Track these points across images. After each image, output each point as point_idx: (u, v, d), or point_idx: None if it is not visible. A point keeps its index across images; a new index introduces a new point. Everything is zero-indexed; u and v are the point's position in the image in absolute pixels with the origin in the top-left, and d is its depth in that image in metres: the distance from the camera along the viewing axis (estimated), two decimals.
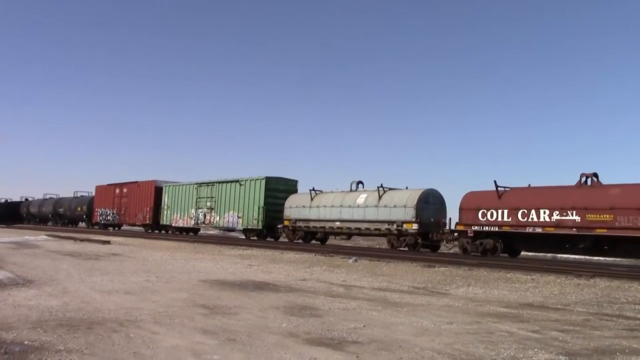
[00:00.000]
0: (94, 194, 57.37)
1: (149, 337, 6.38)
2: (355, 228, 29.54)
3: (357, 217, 29.27)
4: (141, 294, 9.87)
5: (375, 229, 28.44)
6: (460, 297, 11.00)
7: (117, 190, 50.64)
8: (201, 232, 45.43)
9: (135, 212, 47.58)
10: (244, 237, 37.78)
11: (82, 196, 60.55)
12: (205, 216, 39.84)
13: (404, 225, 27.01)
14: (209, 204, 39.63)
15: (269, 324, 7.43)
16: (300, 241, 32.65)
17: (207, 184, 40.34)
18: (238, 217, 36.42)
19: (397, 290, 11.79)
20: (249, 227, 35.68)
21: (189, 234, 43.05)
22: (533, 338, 7.02)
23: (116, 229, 52.11)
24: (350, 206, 29.76)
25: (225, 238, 38.21)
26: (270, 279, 13.23)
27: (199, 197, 40.64)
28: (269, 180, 35.35)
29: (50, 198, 66.32)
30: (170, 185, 44.52)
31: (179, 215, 42.75)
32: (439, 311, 9.05)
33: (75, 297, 9.29)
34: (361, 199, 29.52)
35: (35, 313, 7.62)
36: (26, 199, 72.21)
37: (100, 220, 53.01)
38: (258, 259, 19.67)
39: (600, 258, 24.69)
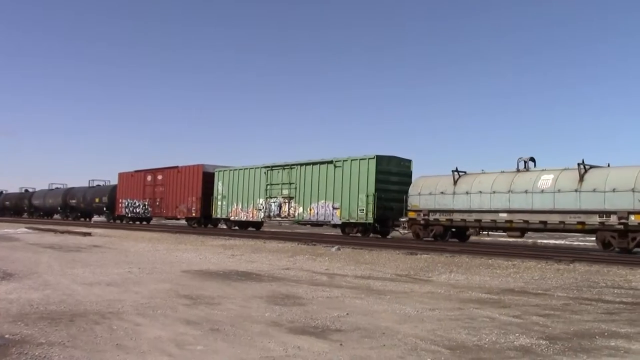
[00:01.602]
0: (112, 182, 50.67)
1: (131, 328, 6.36)
2: (539, 222, 21.76)
3: (541, 207, 21.69)
4: (123, 286, 9.81)
5: (579, 223, 20.68)
6: (443, 284, 11.08)
7: (149, 178, 43.34)
8: (265, 226, 38.75)
9: (175, 203, 40.31)
10: (340, 233, 30.32)
11: (99, 185, 53.30)
12: (280, 207, 32.41)
13: (632, 217, 19.22)
14: (285, 191, 32.07)
15: (253, 313, 7.44)
16: (427, 239, 25.44)
17: (283, 166, 32.54)
18: (334, 208, 29.05)
19: (379, 278, 11.85)
20: (351, 220, 28.36)
21: (248, 228, 36.19)
22: (514, 323, 7.10)
23: (144, 223, 45.05)
24: (526, 191, 22.04)
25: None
26: (254, 269, 13.23)
27: (271, 184, 33.08)
28: (380, 159, 27.78)
29: (58, 188, 59.16)
30: (226, 170, 37.04)
31: (240, 206, 35.27)
32: (421, 298, 9.12)
33: (56, 289, 9.22)
34: (545, 180, 21.96)
35: (16, 307, 7.55)
36: (26, 190, 66.09)
37: (126, 213, 45.80)
38: (241, 249, 19.65)
39: (581, 243, 24.94)
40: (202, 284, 10.36)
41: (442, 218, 24.93)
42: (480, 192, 23.69)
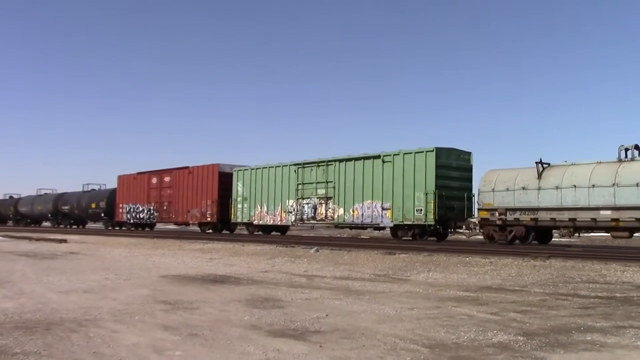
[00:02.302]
0: (107, 187, 47.94)
1: (109, 335, 6.28)
2: None
3: None
4: (100, 292, 9.70)
5: None
6: (421, 283, 11.14)
7: (155, 180, 40.26)
8: (293, 230, 35.44)
9: (186, 207, 37.13)
10: (390, 236, 27.83)
11: (94, 190, 49.77)
12: (315, 209, 29.18)
13: None
14: (321, 191, 28.91)
15: (232, 317, 7.40)
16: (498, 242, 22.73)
17: (318, 163, 29.34)
18: (383, 209, 25.98)
19: (358, 279, 11.87)
20: (405, 222, 25.29)
21: (272, 233, 33.18)
22: (492, 320, 7.16)
23: (147, 229, 42.01)
24: (638, 184, 19.35)
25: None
26: (232, 272, 13.17)
27: (303, 183, 30.01)
28: (440, 152, 24.87)
29: (47, 194, 55.35)
30: (246, 169, 33.74)
31: (265, 209, 32.04)
32: (400, 297, 9.15)
33: (31, 298, 9.08)
34: None
35: None
36: (11, 197, 62.16)
37: (128, 219, 42.58)
38: (219, 253, 19.55)
39: (555, 239, 25.23)
40: (181, 288, 10.28)
41: (524, 217, 21.86)
42: (575, 186, 20.59)
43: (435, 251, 18.46)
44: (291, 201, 30.54)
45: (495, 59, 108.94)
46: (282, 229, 33.61)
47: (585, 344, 5.83)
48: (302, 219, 30.08)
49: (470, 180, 25.66)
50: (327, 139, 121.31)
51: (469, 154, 26.21)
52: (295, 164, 30.57)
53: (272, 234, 33.21)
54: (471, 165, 26.16)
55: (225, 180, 34.76)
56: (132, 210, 42.29)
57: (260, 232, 33.15)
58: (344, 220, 28.02)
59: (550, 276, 12.19)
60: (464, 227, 25.07)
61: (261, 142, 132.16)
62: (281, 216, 31.12)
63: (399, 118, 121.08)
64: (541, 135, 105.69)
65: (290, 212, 30.57)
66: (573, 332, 6.43)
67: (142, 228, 42.24)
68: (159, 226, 44.89)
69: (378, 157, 26.70)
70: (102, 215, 46.32)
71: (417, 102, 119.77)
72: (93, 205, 47.32)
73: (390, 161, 26.01)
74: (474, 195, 25.00)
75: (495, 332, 6.41)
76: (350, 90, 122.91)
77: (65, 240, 26.89)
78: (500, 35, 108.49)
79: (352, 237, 31.61)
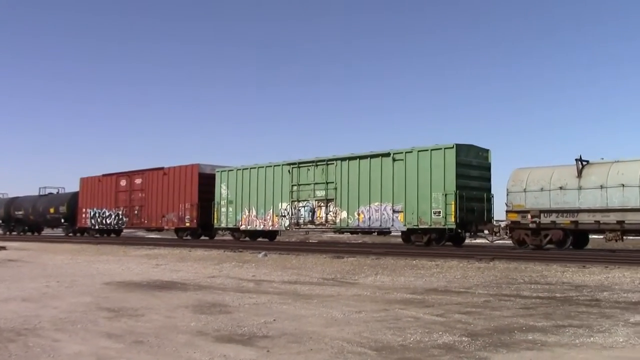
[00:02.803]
0: (67, 190, 44.14)
1: (49, 345, 6.10)
2: None
3: None
4: (40, 301, 9.41)
5: None
6: (369, 286, 11.22)
7: (124, 182, 37.09)
8: (284, 237, 33.52)
9: (161, 212, 34.21)
10: (402, 241, 25.98)
11: (51, 194, 45.67)
12: (314, 212, 26.72)
13: None
14: (321, 193, 26.48)
15: (178, 323, 7.29)
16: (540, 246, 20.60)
17: (316, 163, 26.88)
18: (394, 212, 23.71)
19: (306, 283, 11.88)
20: (421, 225, 23.05)
21: (258, 239, 30.75)
22: (438, 322, 7.27)
23: (113, 235, 39.25)
24: None
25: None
26: (179, 278, 12.99)
27: (298, 184, 27.41)
28: (459, 149, 22.66)
29: None
30: (231, 170, 30.92)
31: (254, 213, 29.32)
32: (348, 301, 9.19)
33: None
34: None
35: None
36: None
37: (93, 225, 39.11)
38: (166, 258, 19.25)
39: (499, 241, 25.52)
40: (125, 295, 10.07)
41: (562, 220, 19.83)
42: (623, 185, 18.83)
43: (383, 254, 18.63)
44: (285, 204, 28.00)
45: (494, 58, 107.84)
46: (271, 234, 31.16)
47: (527, 344, 5.97)
48: (297, 224, 27.51)
49: (489, 179, 23.94)
50: (310, 141, 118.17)
51: (487, 151, 24.15)
52: (289, 164, 27.93)
53: (259, 240, 31.01)
54: (490, 164, 24.18)
55: (206, 182, 31.98)
56: (97, 215, 38.94)
57: (247, 238, 30.64)
58: (347, 225, 25.66)
59: (494, 278, 12.47)
60: (485, 230, 22.88)
61: (242, 144, 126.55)
62: (273, 221, 28.52)
63: (390, 118, 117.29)
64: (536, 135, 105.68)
65: (284, 217, 27.97)
66: (515, 332, 6.59)
67: (108, 234, 39.52)
68: (126, 232, 42.11)
69: (388, 155, 24.25)
70: (62, 220, 42.49)
71: (408, 103, 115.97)
72: (51, 210, 43.33)
73: (402, 159, 23.61)
74: (492, 196, 23.55)
75: (440, 333, 6.50)
76: (338, 92, 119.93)
77: (4, 247, 25.97)
78: (499, 35, 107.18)
79: (300, 242, 31.47)
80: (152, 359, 5.47)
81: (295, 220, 27.52)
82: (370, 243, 30.13)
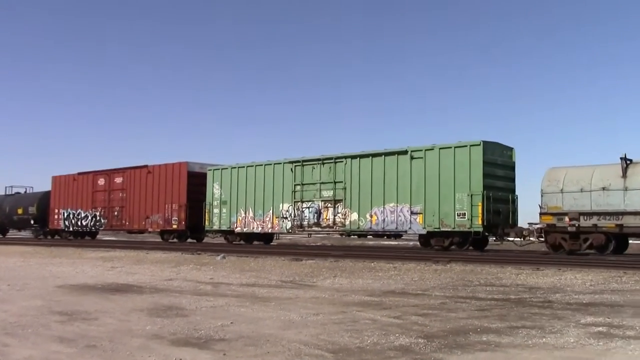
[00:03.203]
0: (36, 190, 41.64)
1: None
2: None
3: None
4: None
5: None
6: (327, 289, 11.24)
7: (102, 181, 34.95)
8: (283, 239, 32.82)
9: (144, 213, 32.31)
10: (419, 245, 24.43)
11: (18, 193, 42.97)
12: (319, 214, 25.12)
13: None
14: (327, 193, 24.87)
15: (133, 327, 7.17)
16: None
17: (322, 161, 25.27)
18: (412, 214, 22.29)
19: (265, 285, 11.83)
20: (443, 228, 21.65)
21: (254, 242, 29.14)
22: (395, 324, 7.32)
23: (87, 238, 37.29)
24: None
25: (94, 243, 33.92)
26: (134, 281, 12.78)
27: (302, 184, 25.77)
28: (487, 147, 21.51)
29: None
30: (225, 169, 29.13)
31: (251, 214, 27.65)
32: (306, 303, 9.19)
33: None
34: None
35: None
36: None
37: (67, 227, 36.97)
38: (122, 261, 18.93)
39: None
40: (79, 298, 9.86)
41: (605, 223, 18.52)
42: None
43: (342, 257, 18.69)
44: (286, 205, 26.25)
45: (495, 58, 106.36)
46: (266, 237, 29.50)
47: (482, 345, 6.06)
48: (301, 226, 25.74)
49: (513, 179, 22.84)
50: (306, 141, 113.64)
51: (512, 149, 22.97)
52: (291, 162, 26.18)
53: (255, 243, 29.31)
54: (514, 163, 22.98)
55: (195, 181, 30.21)
56: (71, 216, 36.72)
57: (241, 242, 28.91)
58: (358, 227, 24.02)
59: (451, 280, 12.63)
60: (513, 234, 21.65)
61: (229, 145, 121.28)
62: (273, 223, 26.78)
63: (382, 119, 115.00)
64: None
65: (285, 218, 26.23)
66: (470, 333, 6.68)
67: (82, 237, 37.54)
68: (103, 235, 40.23)
69: (405, 152, 22.76)
70: (32, 222, 39.80)
71: (404, 102, 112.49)
72: (19, 211, 40.56)
73: (422, 157, 22.16)
74: (517, 197, 22.59)
75: (397, 335, 6.55)
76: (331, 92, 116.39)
77: None
78: (499, 34, 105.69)
79: (257, 246, 31.20)
80: None
81: (299, 222, 25.78)
82: (329, 245, 30.16)
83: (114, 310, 8.47)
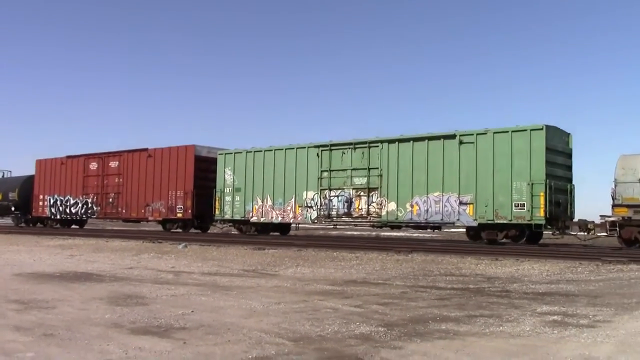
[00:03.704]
0: (13, 174, 39.18)
1: None
2: None
3: None
4: None
5: None
6: (289, 278, 11.26)
7: (94, 165, 32.38)
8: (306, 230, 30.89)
9: (144, 201, 29.86)
10: (466, 238, 22.28)
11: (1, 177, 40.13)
12: (351, 203, 23.05)
13: None
14: (360, 180, 22.82)
15: (91, 315, 7.08)
16: None
17: (354, 144, 23.23)
18: (461, 204, 20.41)
19: (227, 274, 11.79)
20: (497, 220, 19.75)
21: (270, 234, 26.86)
22: (356, 313, 7.38)
23: (74, 227, 35.09)
24: None
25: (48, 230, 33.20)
26: (94, 269, 12.61)
27: (330, 170, 23.62)
28: (549, 132, 19.72)
29: None
30: (239, 153, 26.74)
31: (269, 203, 25.35)
32: (267, 292, 9.19)
33: None
34: None
35: None
36: None
37: (53, 214, 34.47)
38: (81, 249, 18.64)
39: (420, 234, 25.86)
40: (36, 287, 9.68)
41: None
42: None
43: (305, 246, 18.73)
44: (311, 193, 24.04)
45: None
46: (282, 228, 27.49)
47: (440, 333, 6.16)
48: (329, 216, 23.63)
49: (570, 168, 21.17)
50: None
51: (569, 135, 21.28)
52: (317, 146, 24.05)
53: (272, 234, 27.07)
54: (571, 150, 21.22)
55: (201, 166, 28.11)
56: (59, 203, 34.13)
57: (255, 232, 26.67)
58: (396, 218, 21.99)
59: (412, 269, 12.78)
60: (576, 227, 20.03)
61: (236, 130, 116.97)
62: (295, 212, 24.60)
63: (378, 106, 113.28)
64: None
65: (310, 207, 24.08)
66: (430, 322, 6.78)
67: (69, 225, 35.32)
68: (96, 223, 37.88)
69: (452, 136, 20.85)
70: (13, 209, 36.93)
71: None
72: None
73: (472, 142, 20.28)
74: (574, 187, 20.91)
75: (358, 324, 6.61)
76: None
77: None
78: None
79: (224, 233, 30.79)
80: (62, 352, 5.29)
81: (326, 212, 23.61)
82: (292, 235, 30.21)
83: (72, 299, 8.34)
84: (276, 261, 14.60)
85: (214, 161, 27.80)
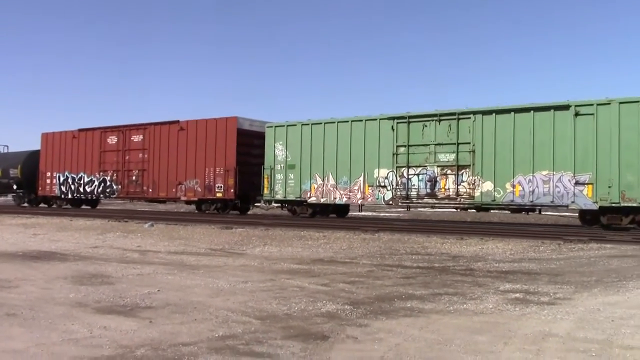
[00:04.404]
0: (11, 149, 36.18)
1: None
2: None
3: None
4: None
5: None
6: (256, 257, 11.27)
7: (113, 140, 29.48)
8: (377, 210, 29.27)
9: (176, 179, 26.88)
10: (579, 221, 19.64)
11: None
12: (435, 182, 20.32)
13: None
14: (446, 157, 20.19)
15: (55, 295, 7.00)
16: None
17: (440, 116, 20.44)
18: (577, 184, 17.93)
19: (194, 253, 11.75)
20: (623, 203, 17.35)
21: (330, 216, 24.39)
22: (322, 291, 7.43)
23: (85, 206, 32.17)
24: None
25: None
26: (58, 248, 12.44)
27: (408, 145, 20.79)
28: None
29: None
30: (293, 125, 23.82)
31: (331, 181, 22.49)
32: (235, 271, 9.19)
33: None
34: None
35: None
36: None
37: (63, 193, 31.34)
38: (44, 228, 18.35)
39: (387, 214, 25.48)
40: None
41: None
42: None
43: (272, 225, 18.73)
44: (384, 171, 21.31)
45: None
46: (339, 210, 24.84)
47: (405, 311, 6.25)
48: (407, 197, 20.90)
49: None
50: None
51: None
52: (392, 117, 21.30)
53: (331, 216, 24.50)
54: None
55: (243, 140, 25.36)
56: (70, 180, 30.95)
57: (305, 214, 23.69)
58: (493, 199, 19.40)
59: (378, 248, 12.89)
60: None
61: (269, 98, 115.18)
62: (364, 192, 21.81)
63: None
64: None
65: (384, 187, 21.33)
66: (395, 300, 6.87)
67: (79, 205, 32.38)
68: (115, 203, 34.88)
69: (565, 107, 18.32)
70: (15, 187, 33.83)
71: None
72: None
73: (592, 114, 17.86)
74: None
75: (324, 302, 6.66)
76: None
77: None
78: None
79: (189, 212, 30.48)
80: (25, 332, 5.23)
81: (403, 192, 20.84)
82: (259, 214, 30.16)
83: (35, 278, 8.23)
84: (244, 240, 14.58)
85: (256, 135, 25.39)
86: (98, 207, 34.03)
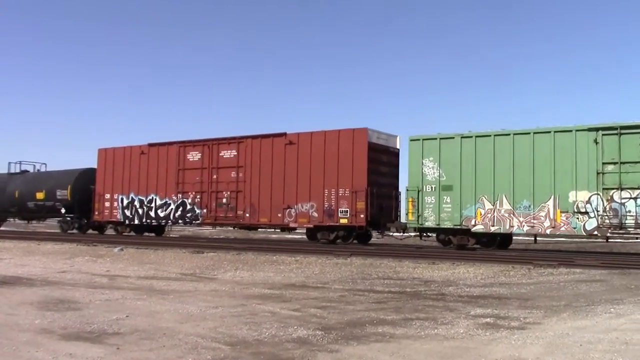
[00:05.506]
0: (48, 167, 32.43)
1: None
2: None
3: None
4: None
5: None
6: (228, 282, 11.17)
7: (195, 156, 25.50)
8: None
9: (282, 202, 23.01)
10: None
11: (27, 171, 32.74)
12: None
13: None
14: None
15: (20, 321, 6.84)
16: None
17: None
18: None
19: (164, 278, 11.60)
20: None
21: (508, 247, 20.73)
22: (294, 316, 7.38)
23: (145, 235, 27.91)
24: None
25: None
26: (24, 273, 12.18)
27: (620, 163, 17.24)
28: None
29: None
30: (450, 138, 20.10)
31: (507, 206, 18.77)
32: (205, 296, 9.09)
33: None
34: None
35: None
36: None
37: (129, 218, 27.24)
38: (10, 252, 17.97)
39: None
40: None
41: None
42: None
43: (244, 250, 18.61)
44: (584, 194, 17.75)
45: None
46: (504, 240, 20.59)
47: (377, 336, 6.23)
48: (621, 226, 17.18)
49: None
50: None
51: None
52: (595, 128, 17.75)
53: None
54: None
55: (374, 157, 21.87)
56: (136, 203, 26.97)
57: (468, 244, 19.97)
58: None
59: (350, 273, 12.87)
60: None
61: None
62: (555, 219, 18.12)
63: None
64: None
65: (584, 213, 17.68)
66: (367, 325, 6.84)
67: (142, 233, 28.41)
68: (199, 231, 31.76)
69: None
70: (62, 210, 29.70)
71: None
72: (39, 195, 30.08)
73: None
74: None
75: (295, 327, 6.61)
76: None
77: None
78: None
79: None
80: None
81: (616, 220, 17.21)
82: (232, 238, 29.92)
83: (0, 304, 8.04)
84: (215, 265, 14.45)
85: (384, 150, 22.51)
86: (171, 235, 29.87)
